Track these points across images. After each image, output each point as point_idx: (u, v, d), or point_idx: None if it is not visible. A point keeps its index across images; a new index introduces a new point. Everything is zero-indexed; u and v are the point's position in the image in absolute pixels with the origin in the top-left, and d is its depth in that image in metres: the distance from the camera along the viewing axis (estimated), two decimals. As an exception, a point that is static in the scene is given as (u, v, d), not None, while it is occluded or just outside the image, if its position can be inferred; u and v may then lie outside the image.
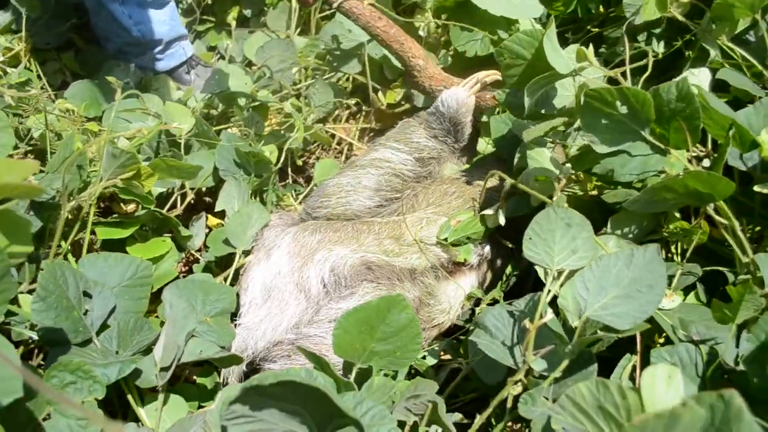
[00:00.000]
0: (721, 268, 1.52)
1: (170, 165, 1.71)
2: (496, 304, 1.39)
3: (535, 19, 2.14)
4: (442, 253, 1.83)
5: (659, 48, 1.85)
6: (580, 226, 1.30)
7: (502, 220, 1.81)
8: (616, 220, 1.58)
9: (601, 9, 2.30)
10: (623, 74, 1.69)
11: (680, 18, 1.88)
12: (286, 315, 1.68)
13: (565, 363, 1.23)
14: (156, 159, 1.71)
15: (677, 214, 1.58)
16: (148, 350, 1.52)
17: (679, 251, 1.62)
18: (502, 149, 2.01)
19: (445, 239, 1.81)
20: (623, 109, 1.45)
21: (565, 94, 1.73)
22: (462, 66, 2.30)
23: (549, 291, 1.30)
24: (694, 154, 1.53)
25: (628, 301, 1.19)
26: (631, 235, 1.57)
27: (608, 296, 1.21)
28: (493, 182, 1.90)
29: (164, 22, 2.76)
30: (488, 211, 1.83)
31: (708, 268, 1.52)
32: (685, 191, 1.39)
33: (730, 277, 1.50)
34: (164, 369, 1.46)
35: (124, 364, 1.40)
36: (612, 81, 1.73)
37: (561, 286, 1.33)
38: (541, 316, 1.23)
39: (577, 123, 1.66)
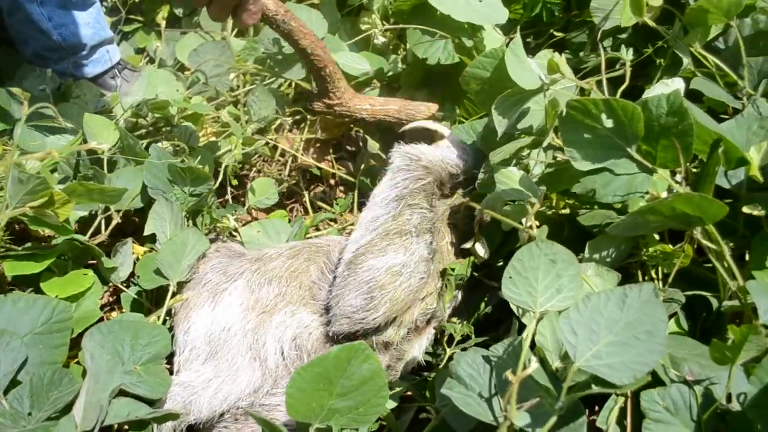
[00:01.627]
0: (703, 293, 1.43)
1: (90, 189, 1.49)
2: (468, 350, 1.22)
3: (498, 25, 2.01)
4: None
5: (628, 55, 1.73)
6: (566, 262, 1.16)
7: (483, 254, 1.69)
8: (594, 244, 1.45)
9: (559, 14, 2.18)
10: (599, 84, 1.55)
11: (651, 24, 1.77)
12: (238, 384, 1.49)
13: (553, 420, 1.07)
14: (72, 183, 1.48)
15: (656, 236, 1.48)
16: (68, 408, 1.30)
17: (659, 275, 1.51)
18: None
19: None
20: (608, 123, 1.33)
21: (535, 110, 1.59)
22: (420, 74, 2.15)
23: (530, 336, 1.15)
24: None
25: (624, 350, 1.05)
26: (608, 259, 1.45)
27: (601, 343, 1.07)
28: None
29: (88, 25, 2.48)
30: (466, 245, 1.70)
31: (689, 293, 1.42)
32: (671, 214, 1.27)
33: (713, 302, 1.42)
34: (86, 432, 1.25)
35: (37, 432, 1.18)
36: (583, 94, 1.60)
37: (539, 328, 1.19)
38: (525, 366, 1.07)
39: (547, 141, 1.53)
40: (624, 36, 1.95)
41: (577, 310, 1.10)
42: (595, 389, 1.06)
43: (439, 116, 2.09)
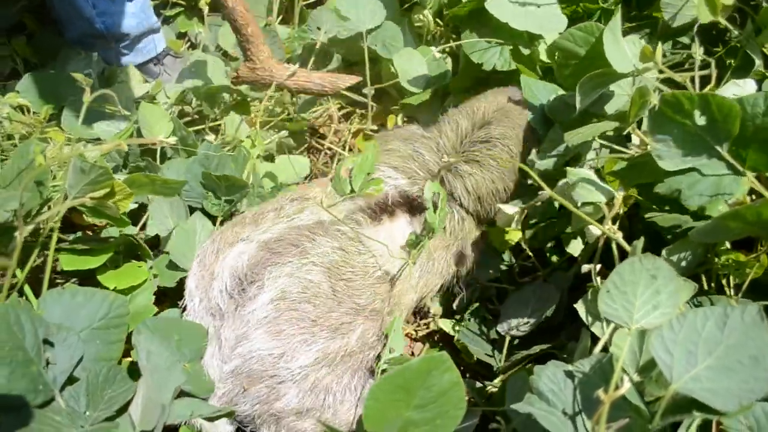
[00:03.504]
0: (776, 305, 1.36)
1: (153, 180, 1.44)
2: (548, 364, 1.16)
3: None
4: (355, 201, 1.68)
5: (699, 53, 1.66)
6: (667, 278, 1.09)
7: (516, 226, 1.64)
8: (672, 250, 1.38)
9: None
10: (691, 80, 1.49)
11: (724, 23, 1.70)
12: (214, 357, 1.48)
13: (644, 443, 1.02)
14: (135, 174, 1.43)
15: (728, 244, 1.42)
16: (123, 408, 1.26)
17: (730, 285, 1.45)
18: (535, 121, 1.81)
19: (352, 191, 1.66)
20: (701, 120, 1.25)
21: (618, 95, 1.53)
22: (470, 79, 2.10)
23: (624, 354, 1.09)
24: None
25: (727, 375, 0.98)
26: (683, 264, 1.38)
27: (700, 365, 1.00)
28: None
29: (133, 14, 2.41)
30: (507, 209, 1.63)
31: (762, 303, 1.35)
32: (755, 220, 1.20)
33: None
34: (145, 432, 1.21)
35: (97, 434, 1.15)
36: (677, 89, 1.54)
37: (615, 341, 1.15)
38: (617, 386, 1.01)
39: (629, 130, 1.49)
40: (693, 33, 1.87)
41: (671, 329, 1.04)
42: (696, 414, 1.00)
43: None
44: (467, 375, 1.76)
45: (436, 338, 1.86)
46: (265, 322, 1.46)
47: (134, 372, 1.33)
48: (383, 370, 1.59)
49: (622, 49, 1.45)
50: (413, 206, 1.74)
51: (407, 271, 1.65)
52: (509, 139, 1.79)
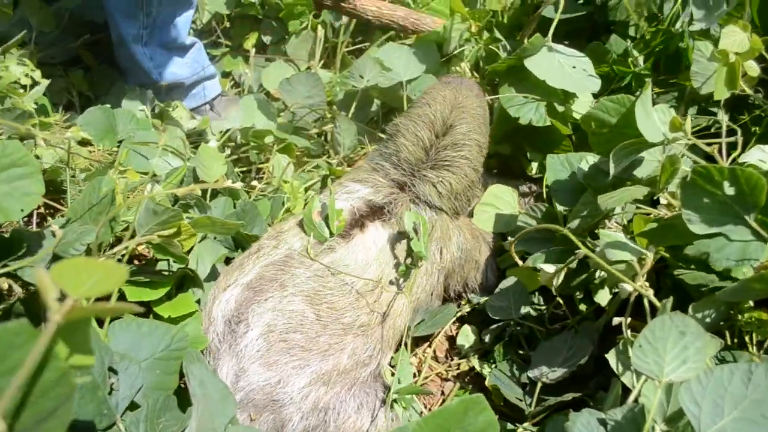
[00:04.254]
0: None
1: (214, 221, 1.55)
2: (583, 412, 1.25)
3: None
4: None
5: (725, 121, 1.75)
6: (694, 335, 1.18)
7: (556, 284, 1.71)
8: (698, 306, 1.47)
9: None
10: (719, 149, 1.58)
11: (749, 92, 1.80)
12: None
13: (674, 493, 1.10)
14: (200, 216, 1.55)
15: (751, 303, 1.49)
16: (174, 436, 1.35)
17: (754, 341, 1.52)
18: (557, 195, 1.90)
19: (331, 234, 1.73)
20: (730, 191, 1.35)
21: (648, 161, 1.63)
22: (504, 130, 2.21)
23: (655, 405, 1.17)
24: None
25: (752, 428, 1.07)
26: (708, 321, 1.47)
27: (726, 418, 1.09)
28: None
29: (187, 65, 2.55)
30: (547, 268, 1.71)
31: (782, 360, 1.43)
32: (778, 284, 1.29)
33: None
34: (197, 459, 1.30)
35: (160, 458, 1.24)
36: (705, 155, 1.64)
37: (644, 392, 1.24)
38: (649, 436, 1.10)
39: (660, 196, 1.59)
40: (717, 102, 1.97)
41: (699, 382, 1.12)
42: (725, 466, 1.08)
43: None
44: (497, 417, 1.83)
45: (466, 379, 1.94)
46: (258, 356, 1.56)
47: (183, 401, 1.41)
48: (394, 401, 1.69)
49: (653, 119, 1.55)
50: (381, 213, 1.82)
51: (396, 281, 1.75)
52: (474, 132, 1.92)
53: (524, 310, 1.89)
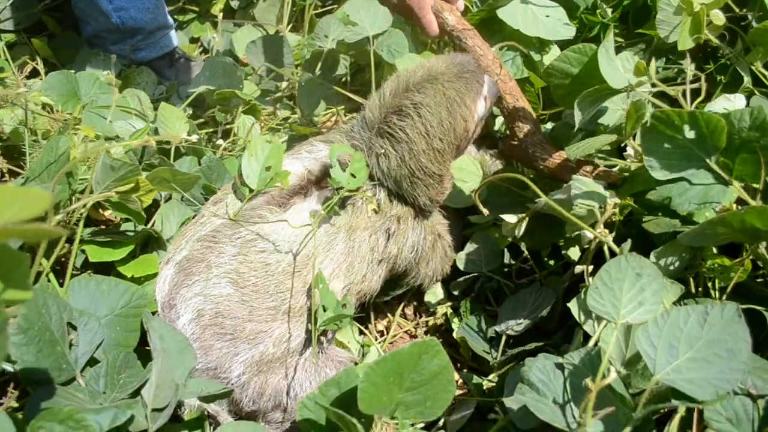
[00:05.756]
0: (757, 307, 1.44)
1: (174, 175, 1.53)
2: (539, 356, 1.25)
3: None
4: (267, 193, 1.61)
5: (690, 69, 1.75)
6: (651, 276, 1.18)
7: (518, 235, 1.70)
8: (660, 252, 1.47)
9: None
10: (683, 94, 1.58)
11: (714, 41, 1.79)
12: None
13: (627, 430, 1.10)
14: (158, 169, 1.53)
15: (714, 249, 1.50)
16: (136, 392, 1.34)
17: (716, 288, 1.54)
18: None
19: (250, 191, 1.60)
20: (690, 134, 1.34)
21: (612, 110, 1.63)
22: None
23: (611, 346, 1.17)
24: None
25: (705, 367, 1.07)
26: (671, 268, 1.47)
27: (681, 358, 1.09)
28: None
29: (148, 10, 2.54)
30: (508, 218, 1.69)
31: (744, 306, 1.42)
32: (740, 227, 1.29)
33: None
34: (157, 410, 1.29)
35: (120, 411, 1.22)
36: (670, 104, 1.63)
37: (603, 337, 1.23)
38: (604, 375, 1.10)
39: (626, 142, 1.58)
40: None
41: (656, 324, 1.12)
42: (675, 403, 1.08)
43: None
44: (464, 370, 1.85)
45: (436, 335, 1.94)
46: (194, 339, 1.51)
47: (146, 360, 1.42)
48: (322, 332, 1.60)
49: (616, 65, 1.54)
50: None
51: (315, 253, 1.54)
52: (427, 108, 1.62)
53: (494, 264, 1.89)
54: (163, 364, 1.32)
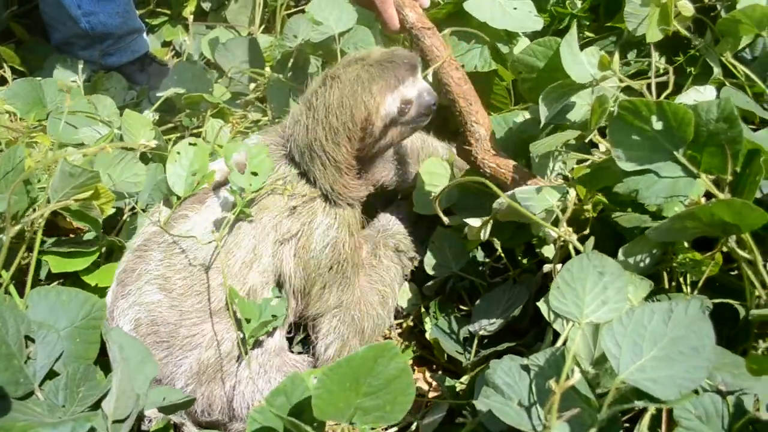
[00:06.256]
0: (730, 301, 1.42)
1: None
2: (504, 358, 1.22)
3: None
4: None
5: (660, 62, 1.73)
6: (613, 274, 1.16)
7: (483, 237, 1.66)
8: (628, 248, 1.45)
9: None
10: (648, 87, 1.55)
11: (683, 32, 1.77)
12: None
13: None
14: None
15: (686, 244, 1.47)
16: (97, 404, 1.32)
17: (687, 282, 1.51)
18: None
19: (177, 198, 1.59)
20: (658, 125, 1.32)
21: (579, 105, 1.60)
22: None
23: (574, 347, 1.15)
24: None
25: (670, 365, 1.05)
26: (641, 265, 1.45)
27: (645, 357, 1.07)
28: None
29: (117, 14, 2.51)
30: (473, 222, 1.65)
31: (716, 300, 1.40)
32: (709, 221, 1.28)
33: (740, 310, 1.41)
34: (118, 422, 1.26)
35: (77, 423, 1.20)
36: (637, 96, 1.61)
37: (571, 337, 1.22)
38: (568, 376, 1.08)
39: (590, 137, 1.55)
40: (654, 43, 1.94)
41: (621, 323, 1.10)
42: (639, 403, 1.06)
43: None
44: (440, 372, 1.82)
45: (409, 337, 1.92)
46: None
47: (108, 371, 1.38)
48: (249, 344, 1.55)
49: (580, 60, 1.52)
50: None
51: (224, 246, 1.52)
52: (337, 82, 1.58)
53: (463, 261, 1.85)
54: (122, 374, 1.30)
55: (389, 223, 1.90)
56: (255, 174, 1.53)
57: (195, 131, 2.24)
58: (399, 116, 1.61)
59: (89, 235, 1.74)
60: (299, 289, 1.63)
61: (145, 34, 2.73)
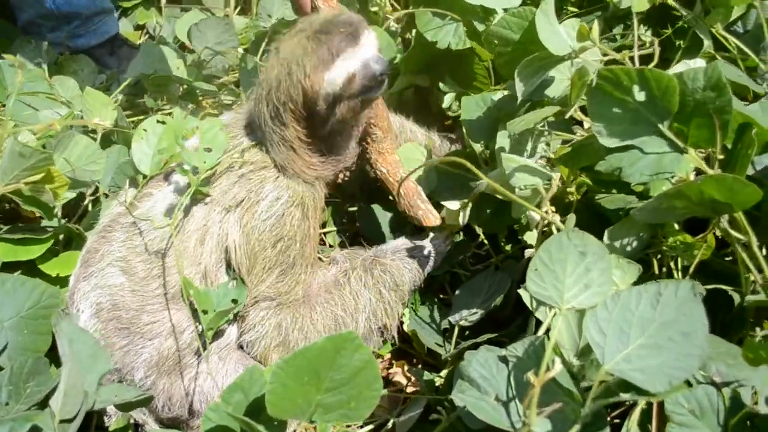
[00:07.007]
0: (723, 286, 1.34)
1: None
2: (480, 349, 1.13)
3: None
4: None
5: (647, 35, 1.65)
6: (596, 255, 1.07)
7: (462, 221, 1.59)
8: (614, 231, 1.36)
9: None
10: (631, 59, 1.47)
11: (672, 2, 1.69)
12: None
13: (576, 428, 0.99)
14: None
15: (676, 226, 1.39)
16: (44, 401, 1.22)
17: (678, 267, 1.43)
18: (472, 133, 1.72)
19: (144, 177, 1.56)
20: (640, 96, 1.23)
21: (559, 80, 1.51)
22: (422, 59, 2.01)
23: (555, 335, 1.06)
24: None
25: (658, 353, 0.96)
26: (629, 248, 1.36)
27: (632, 345, 0.98)
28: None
29: None
30: (451, 205, 1.58)
31: (709, 286, 1.32)
32: (698, 199, 1.19)
33: (735, 296, 1.34)
34: (65, 421, 1.17)
35: (16, 423, 1.11)
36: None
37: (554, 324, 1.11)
38: (548, 367, 0.99)
39: (571, 113, 1.45)
40: (641, 15, 1.84)
41: (606, 308, 1.01)
42: (625, 396, 0.98)
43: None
44: (419, 366, 1.73)
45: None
46: (99, 336, 1.42)
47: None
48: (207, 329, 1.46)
49: (558, 30, 1.43)
50: None
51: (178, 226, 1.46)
52: (275, 54, 1.51)
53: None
54: (72, 369, 1.21)
55: (385, 249, 1.72)
56: (209, 150, 1.44)
57: (165, 113, 2.14)
58: (342, 92, 1.46)
59: (46, 222, 1.65)
60: (245, 265, 1.51)
61: (114, 16, 2.63)
